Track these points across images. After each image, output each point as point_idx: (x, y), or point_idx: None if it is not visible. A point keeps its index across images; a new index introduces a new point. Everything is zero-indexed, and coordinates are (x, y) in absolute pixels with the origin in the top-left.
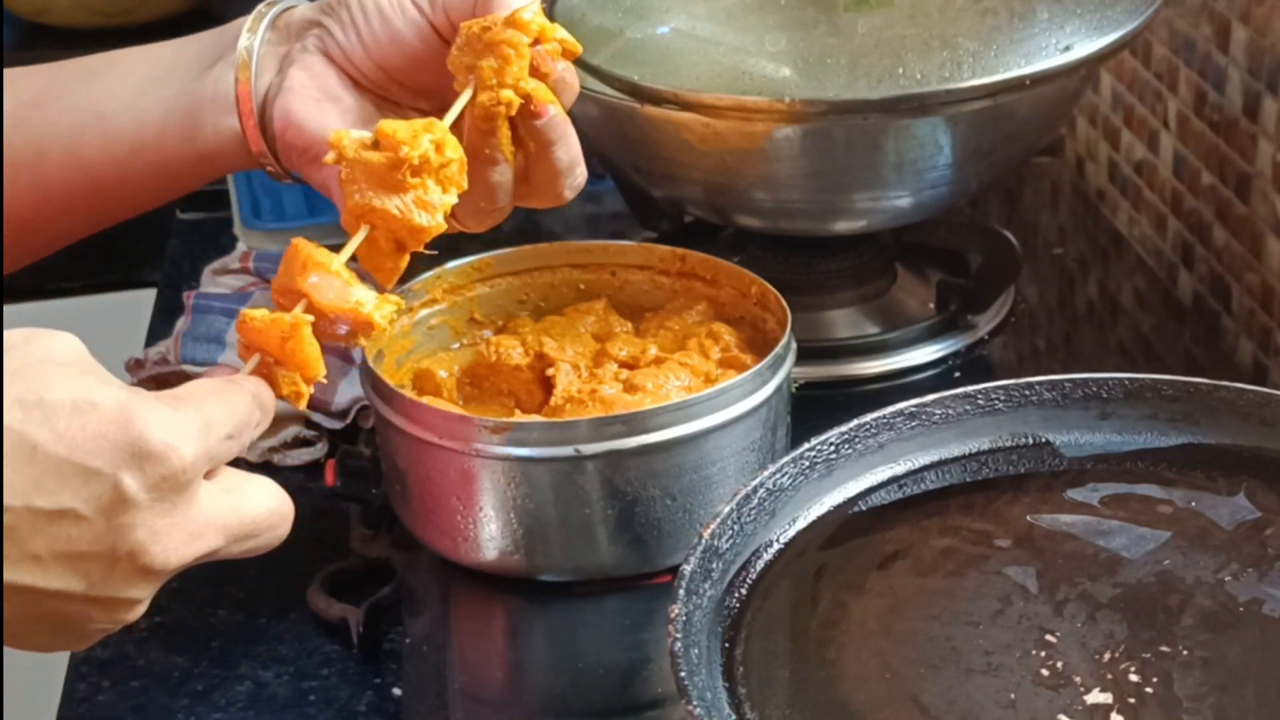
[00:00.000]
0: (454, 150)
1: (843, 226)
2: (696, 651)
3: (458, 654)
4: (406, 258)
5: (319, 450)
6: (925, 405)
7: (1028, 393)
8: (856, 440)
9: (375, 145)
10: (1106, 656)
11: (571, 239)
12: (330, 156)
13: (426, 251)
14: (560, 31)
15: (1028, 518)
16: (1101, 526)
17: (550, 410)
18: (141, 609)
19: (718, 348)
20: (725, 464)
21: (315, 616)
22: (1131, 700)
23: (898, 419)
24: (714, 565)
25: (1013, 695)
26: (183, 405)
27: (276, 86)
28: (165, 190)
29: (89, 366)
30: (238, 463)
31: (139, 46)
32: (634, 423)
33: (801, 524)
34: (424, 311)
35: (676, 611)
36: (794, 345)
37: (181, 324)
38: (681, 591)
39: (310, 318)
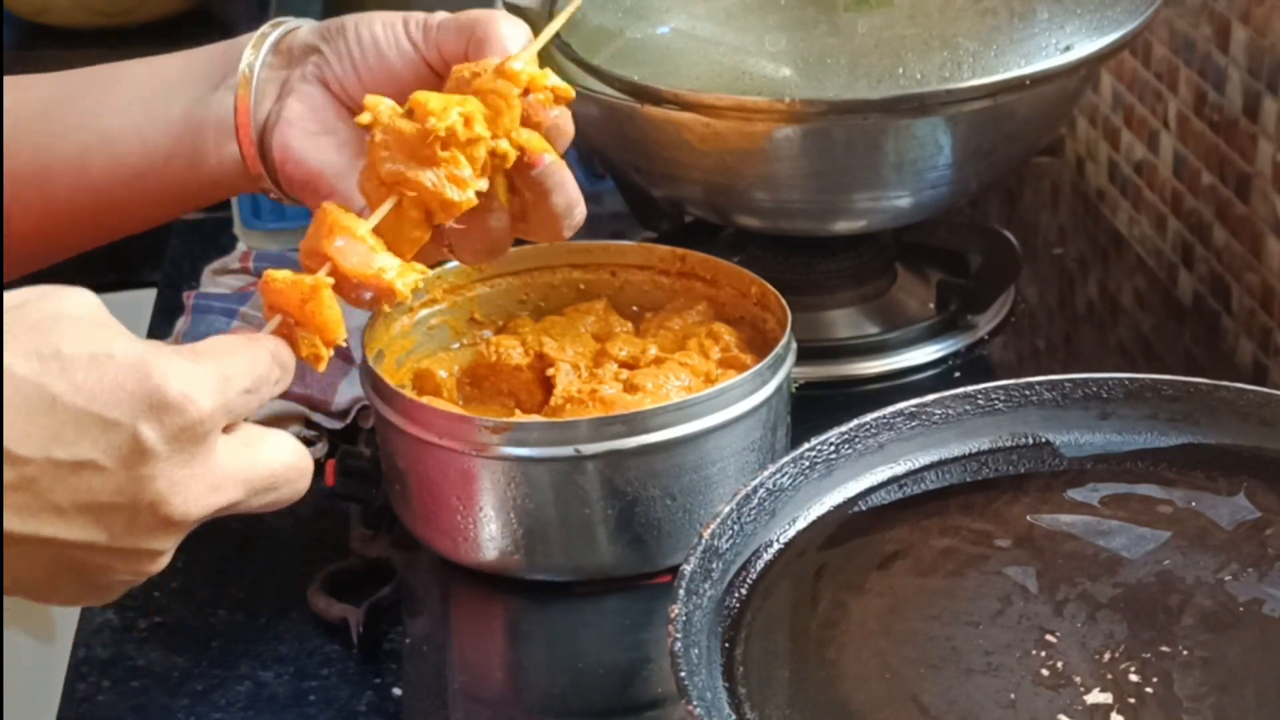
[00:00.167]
0: (481, 128)
1: (843, 226)
2: (696, 651)
3: (458, 654)
4: (431, 231)
5: (319, 450)
6: (925, 405)
7: (1028, 393)
8: (856, 440)
9: (410, 115)
10: (1106, 656)
11: (572, 239)
12: (365, 118)
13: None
14: (551, 79)
15: (1028, 518)
16: (1101, 526)
17: (550, 410)
18: (164, 561)
19: (718, 348)
20: (725, 464)
21: (315, 616)
22: (1131, 700)
23: (898, 419)
24: (714, 565)
25: (1013, 695)
26: (201, 358)
27: (276, 114)
28: (172, 209)
29: (105, 320)
30: None
31: (144, 59)
32: (634, 423)
33: (801, 524)
34: (424, 311)
35: (676, 611)
36: (794, 345)
37: (181, 324)
38: (681, 591)
39: (331, 280)
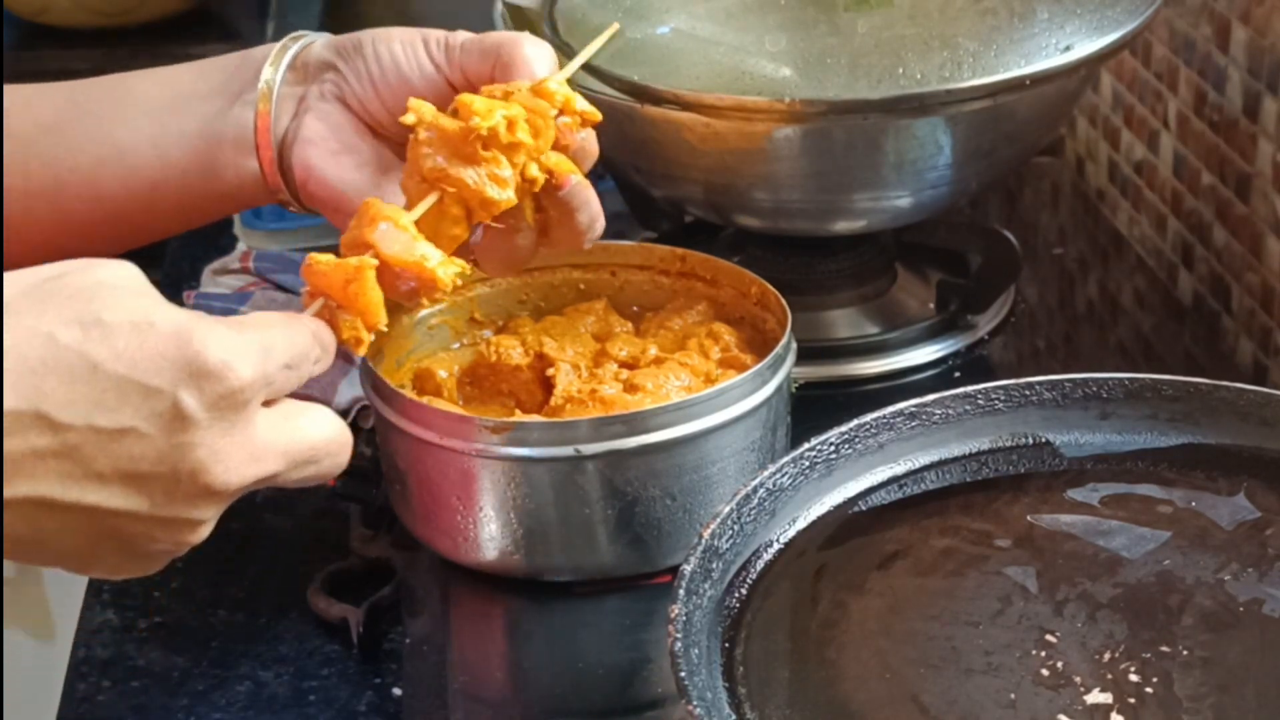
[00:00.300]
0: (525, 134)
1: (843, 226)
2: (696, 651)
3: (458, 654)
4: (470, 231)
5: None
6: (925, 405)
7: (1028, 393)
8: (856, 440)
9: (454, 115)
10: (1106, 656)
11: None
12: (409, 118)
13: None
14: (581, 103)
15: (1028, 518)
16: (1101, 526)
17: (550, 410)
18: (205, 531)
19: (718, 348)
20: (725, 464)
21: (315, 616)
22: (1131, 700)
23: (898, 419)
24: (714, 565)
25: (1013, 695)
26: (243, 328)
27: (294, 131)
28: (187, 222)
29: (145, 290)
30: None
31: (153, 70)
32: (634, 423)
33: (801, 524)
34: (424, 311)
35: (676, 611)
36: (794, 345)
37: None
38: (681, 591)
39: (375, 261)
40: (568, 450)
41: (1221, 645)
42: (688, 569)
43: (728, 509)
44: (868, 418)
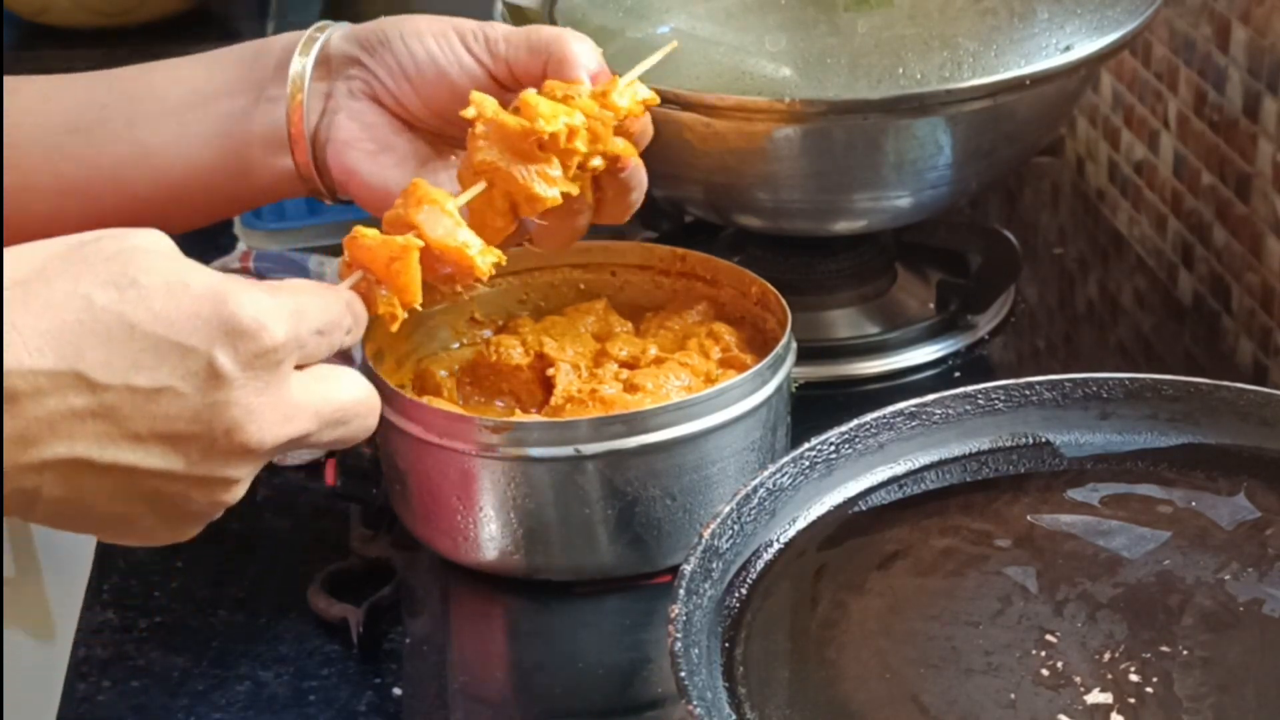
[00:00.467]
0: (581, 143)
1: (843, 226)
2: (696, 651)
3: (458, 654)
4: (515, 224)
5: (319, 450)
6: (925, 405)
7: (1028, 393)
8: (856, 440)
9: (516, 112)
10: (1106, 656)
11: None
12: (469, 111)
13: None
14: (642, 91)
15: (1028, 518)
16: (1101, 526)
17: (550, 410)
18: (240, 490)
19: (718, 348)
20: (725, 464)
21: (315, 616)
22: (1131, 700)
23: (898, 419)
24: (714, 565)
25: (1013, 695)
26: (277, 292)
27: (326, 131)
28: (221, 213)
29: (178, 254)
30: None
31: (164, 64)
32: (634, 423)
33: (801, 524)
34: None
35: (676, 611)
36: (794, 345)
37: None
38: (681, 591)
39: (420, 243)
40: (568, 450)
41: (1221, 645)
42: (688, 569)
43: (728, 509)
44: (868, 418)
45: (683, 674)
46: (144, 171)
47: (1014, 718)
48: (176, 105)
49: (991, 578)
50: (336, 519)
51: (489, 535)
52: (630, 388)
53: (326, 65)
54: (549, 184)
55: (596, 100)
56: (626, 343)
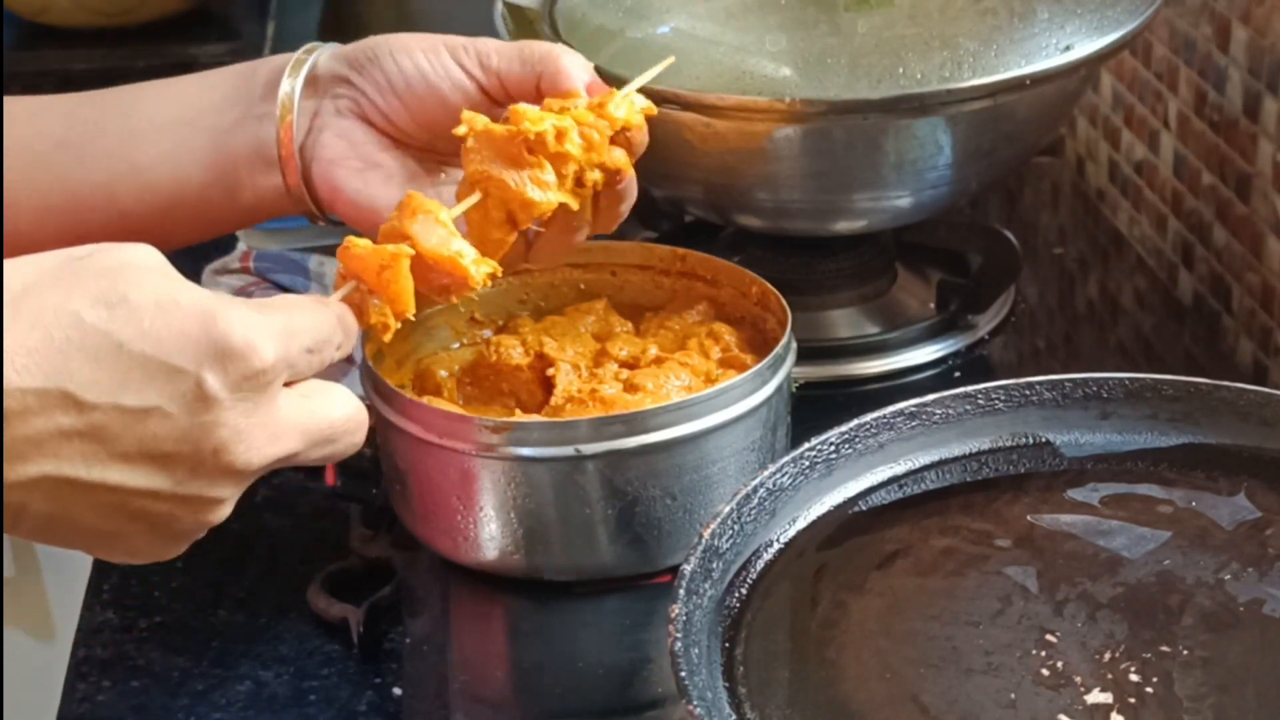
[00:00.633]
0: (573, 146)
1: (843, 226)
2: (696, 651)
3: (458, 654)
4: (514, 235)
5: None
6: (925, 405)
7: (1028, 393)
8: (856, 440)
9: (505, 122)
10: (1107, 656)
11: None
12: (460, 130)
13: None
14: (640, 102)
15: (1028, 518)
16: (1102, 526)
17: (550, 410)
18: (225, 510)
19: (718, 348)
20: (725, 464)
21: (315, 616)
22: (1131, 700)
23: (898, 419)
24: (714, 565)
25: (1013, 695)
26: (267, 311)
27: (312, 149)
28: (210, 231)
29: (171, 272)
30: None
31: (159, 83)
32: (634, 423)
33: (801, 524)
34: (424, 311)
35: (676, 611)
36: (794, 345)
37: None
38: (681, 591)
39: (411, 250)
40: (568, 450)
41: (1221, 645)
42: (688, 569)
43: (728, 509)
44: (868, 418)
45: (683, 674)
46: (133, 188)
47: (1014, 718)
48: (166, 123)
49: (991, 578)
50: (336, 519)
51: (489, 535)
52: (630, 388)
53: (314, 85)
54: (542, 188)
55: (592, 111)
56: (626, 343)
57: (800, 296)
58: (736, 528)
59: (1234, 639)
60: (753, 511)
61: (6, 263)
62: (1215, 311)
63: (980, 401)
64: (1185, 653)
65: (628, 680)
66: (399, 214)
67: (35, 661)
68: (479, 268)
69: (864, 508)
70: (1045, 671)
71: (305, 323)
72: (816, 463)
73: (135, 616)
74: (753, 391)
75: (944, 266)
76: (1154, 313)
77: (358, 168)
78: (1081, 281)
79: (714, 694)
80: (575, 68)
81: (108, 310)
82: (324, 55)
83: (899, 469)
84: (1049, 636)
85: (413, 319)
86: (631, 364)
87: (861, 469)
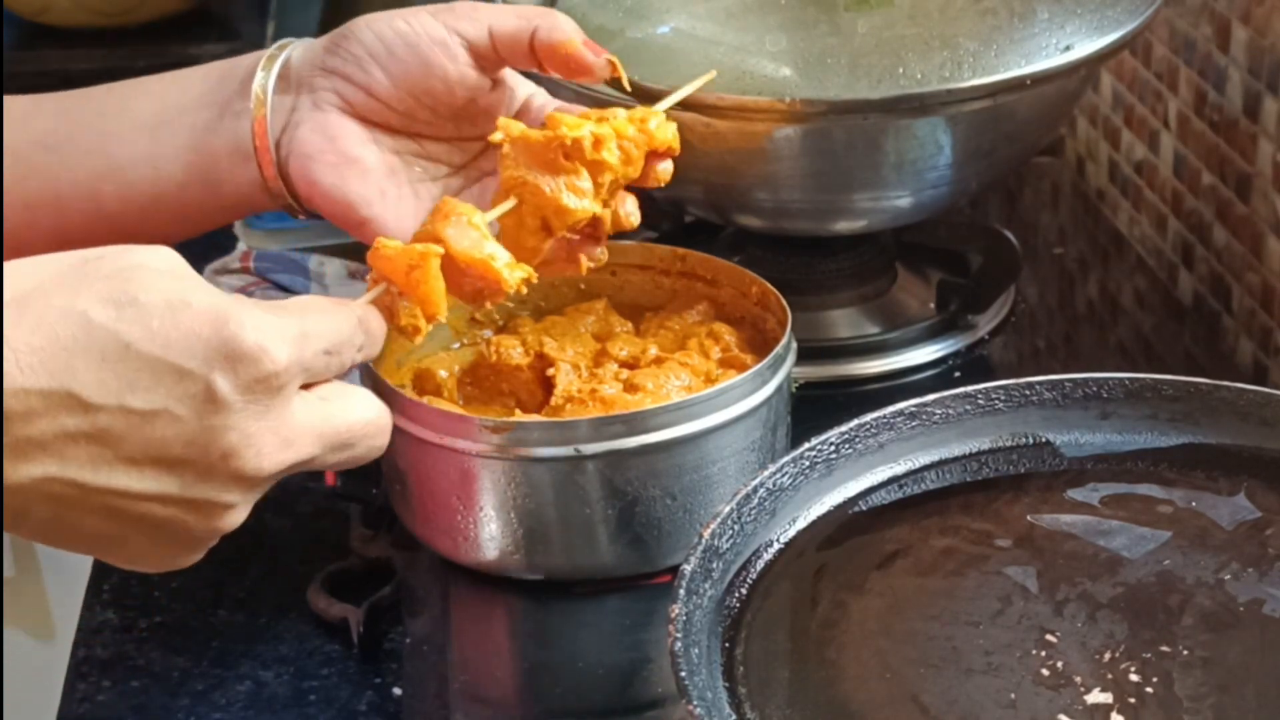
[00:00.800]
0: (610, 155)
1: (843, 226)
2: (696, 651)
3: (458, 654)
4: (549, 242)
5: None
6: (925, 405)
7: (1028, 393)
8: (856, 440)
9: (542, 128)
10: (1107, 656)
11: None
12: (496, 136)
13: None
14: (670, 130)
15: (1028, 518)
16: (1102, 526)
17: (550, 410)
18: (238, 516)
19: (718, 348)
20: (725, 464)
21: (315, 616)
22: (1131, 700)
23: (898, 419)
24: (714, 565)
25: (1013, 695)
26: (282, 312)
27: (288, 145)
28: (193, 229)
29: (185, 273)
30: None
31: (144, 80)
32: (634, 423)
33: (801, 524)
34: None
35: (676, 611)
36: (794, 345)
37: None
38: (681, 591)
39: (440, 249)
40: (568, 450)
41: (1221, 645)
42: (688, 569)
43: (728, 509)
44: (868, 418)
45: (683, 674)
46: (115, 187)
47: (1014, 718)
48: (146, 121)
49: (991, 578)
50: (336, 519)
51: (489, 535)
52: (630, 388)
53: (290, 79)
54: (578, 195)
55: (632, 124)
56: (626, 343)
57: (800, 296)
58: (736, 528)
59: (1234, 639)
60: (753, 511)
61: (16, 262)
62: (1215, 311)
63: (980, 401)
64: (1185, 653)
65: (628, 680)
66: (432, 217)
67: (35, 661)
68: (513, 272)
69: (864, 508)
70: (1045, 671)
71: (322, 325)
72: (816, 463)
73: (135, 616)
74: (753, 391)
75: (944, 266)
76: (1154, 313)
77: (334, 162)
78: (1081, 281)
79: (714, 694)
80: (570, 24)
81: (116, 310)
82: (299, 49)
83: (899, 469)
84: (1049, 636)
85: (443, 321)
86: (631, 364)
87: (861, 469)
